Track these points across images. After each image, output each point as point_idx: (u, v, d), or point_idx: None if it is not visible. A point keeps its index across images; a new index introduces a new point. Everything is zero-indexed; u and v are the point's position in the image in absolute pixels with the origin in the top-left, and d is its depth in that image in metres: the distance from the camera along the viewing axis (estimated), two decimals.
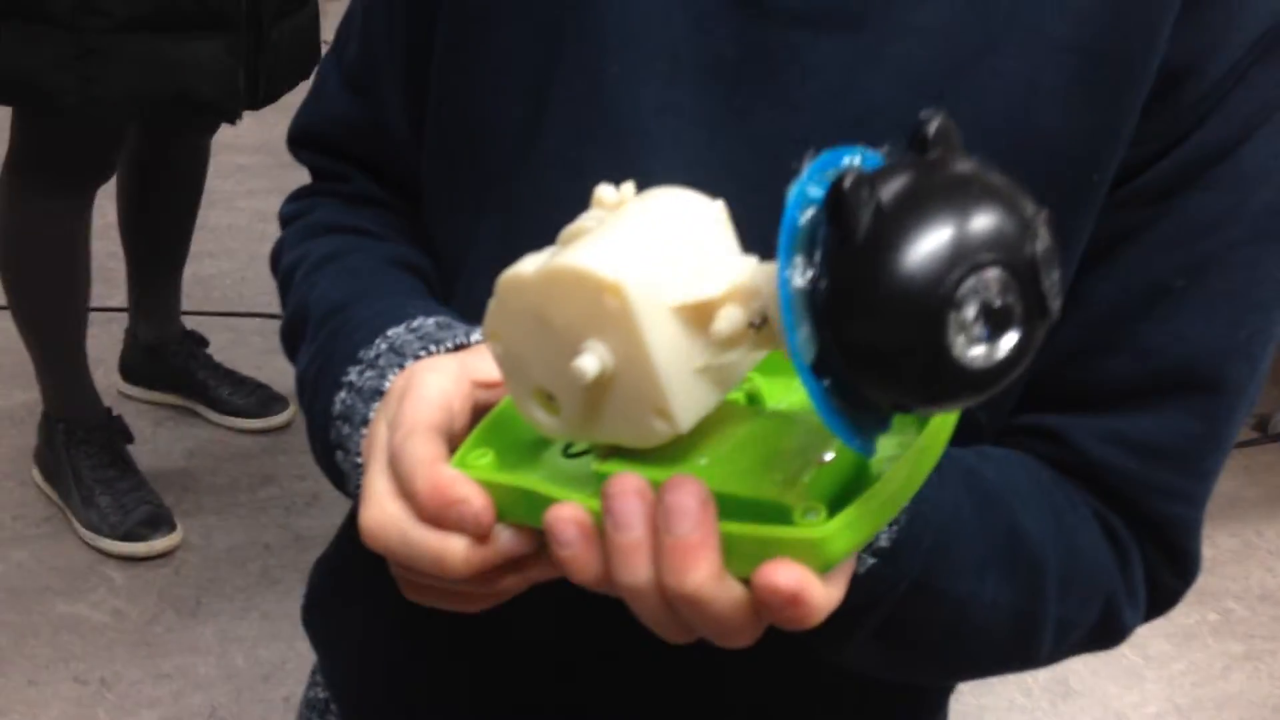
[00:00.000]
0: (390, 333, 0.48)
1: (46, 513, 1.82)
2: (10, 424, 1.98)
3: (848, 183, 0.28)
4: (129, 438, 1.85)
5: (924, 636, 0.47)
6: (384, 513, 0.39)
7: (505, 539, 0.38)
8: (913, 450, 0.35)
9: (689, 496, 0.33)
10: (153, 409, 2.05)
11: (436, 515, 0.38)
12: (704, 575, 0.33)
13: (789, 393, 0.39)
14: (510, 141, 0.52)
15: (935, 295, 0.28)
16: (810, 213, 0.30)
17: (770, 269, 0.32)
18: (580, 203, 0.37)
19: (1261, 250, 0.48)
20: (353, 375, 0.47)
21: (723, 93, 0.48)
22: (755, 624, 0.34)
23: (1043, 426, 0.51)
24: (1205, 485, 0.51)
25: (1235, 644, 1.84)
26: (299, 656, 1.61)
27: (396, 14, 0.57)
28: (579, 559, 0.35)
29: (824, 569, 0.33)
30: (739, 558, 0.33)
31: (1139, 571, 0.51)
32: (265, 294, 2.31)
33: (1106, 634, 0.52)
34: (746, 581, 0.33)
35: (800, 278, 0.30)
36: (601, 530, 0.35)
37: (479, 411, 0.41)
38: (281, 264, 0.60)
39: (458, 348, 0.45)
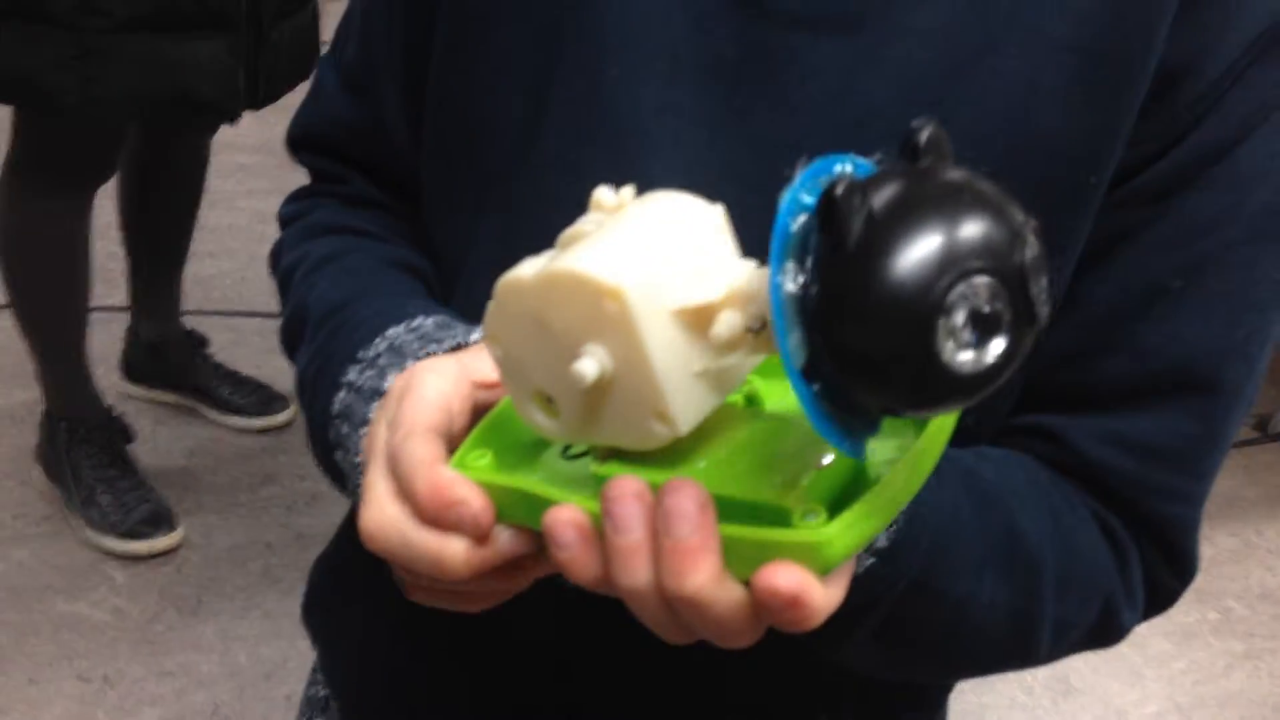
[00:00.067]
0: (390, 332, 0.48)
1: (47, 511, 1.82)
2: (11, 423, 1.98)
3: (839, 190, 0.29)
4: (130, 437, 1.85)
5: (923, 636, 0.47)
6: (383, 514, 0.39)
7: (505, 540, 0.38)
8: (912, 453, 0.35)
9: (688, 500, 0.33)
10: (153, 408, 2.05)
11: (436, 516, 0.38)
12: (704, 578, 0.33)
13: (788, 396, 0.39)
14: (509, 142, 0.52)
15: (925, 302, 0.28)
16: (802, 219, 0.30)
17: (768, 274, 0.32)
18: (579, 204, 0.37)
19: (1259, 250, 0.48)
20: (352, 375, 0.47)
21: (722, 93, 0.48)
22: (755, 625, 0.34)
23: (1041, 427, 0.51)
24: (1203, 485, 0.51)
25: (1235, 643, 1.84)
26: (300, 655, 1.62)
27: (395, 14, 0.57)
28: (578, 561, 0.35)
29: (824, 571, 0.33)
30: (739, 560, 0.33)
31: (1137, 571, 0.51)
32: (265, 294, 2.31)
33: (1105, 633, 0.52)
34: (746, 583, 0.33)
35: (792, 284, 0.30)
36: (600, 532, 0.35)
37: (478, 412, 0.41)
38: (280, 264, 0.60)
39: (457, 348, 0.46)
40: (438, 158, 0.56)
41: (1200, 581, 0.54)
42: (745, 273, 0.34)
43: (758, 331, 0.33)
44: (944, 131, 0.30)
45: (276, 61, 1.62)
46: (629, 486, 0.34)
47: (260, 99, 1.64)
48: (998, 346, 0.29)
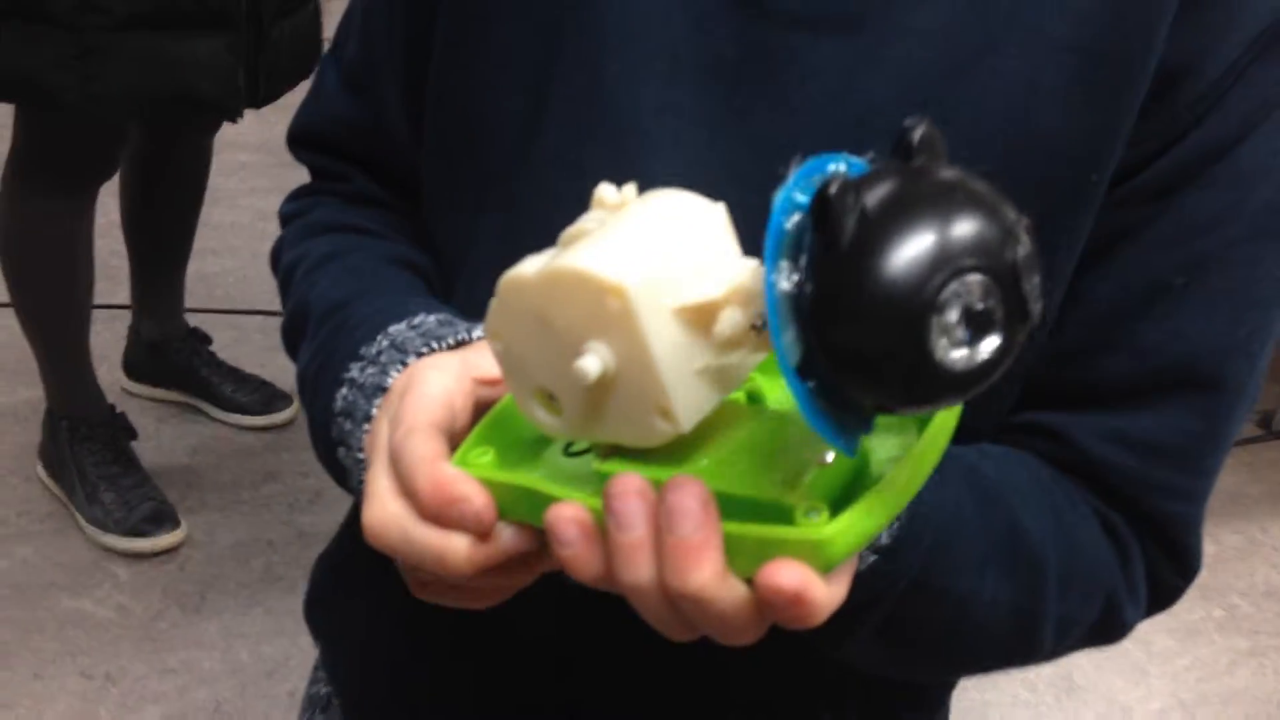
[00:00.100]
0: (392, 329, 0.48)
1: (50, 509, 1.83)
2: (14, 421, 1.99)
3: (833, 189, 0.29)
4: (132, 434, 1.86)
5: (925, 634, 0.47)
6: (386, 511, 0.39)
7: (507, 537, 0.38)
8: (914, 450, 0.35)
9: (690, 497, 0.33)
10: (156, 406, 2.05)
11: (438, 514, 0.38)
12: (706, 575, 0.33)
13: (790, 393, 0.39)
14: (510, 140, 0.52)
15: (918, 299, 0.29)
16: (796, 218, 0.31)
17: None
18: (580, 201, 0.37)
19: (1261, 248, 0.48)
20: (354, 372, 0.47)
21: (722, 93, 0.48)
22: (758, 623, 0.34)
23: (1043, 425, 0.51)
24: (1206, 483, 0.51)
25: (1240, 640, 1.84)
26: (303, 652, 1.62)
27: (396, 12, 0.57)
28: (580, 558, 0.35)
29: (826, 569, 0.33)
30: (741, 557, 0.33)
31: (1140, 568, 0.51)
32: (267, 292, 2.31)
33: (1108, 630, 0.52)
34: (749, 580, 0.33)
35: (786, 282, 0.30)
36: (603, 529, 0.35)
37: (480, 409, 0.41)
38: (281, 263, 0.60)
39: (459, 344, 0.46)
40: (438, 155, 0.56)
41: (1205, 579, 0.54)
42: (747, 271, 0.34)
43: (760, 329, 0.33)
44: (937, 130, 0.31)
45: (277, 60, 1.62)
46: (631, 484, 0.34)
47: (261, 97, 1.64)
48: (990, 344, 0.29)
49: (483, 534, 0.38)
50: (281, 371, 2.08)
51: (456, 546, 0.38)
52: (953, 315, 0.29)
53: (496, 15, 0.52)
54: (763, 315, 0.33)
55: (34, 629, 1.63)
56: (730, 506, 0.34)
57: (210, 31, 1.51)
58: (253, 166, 2.72)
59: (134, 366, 2.05)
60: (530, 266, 0.35)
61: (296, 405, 2.03)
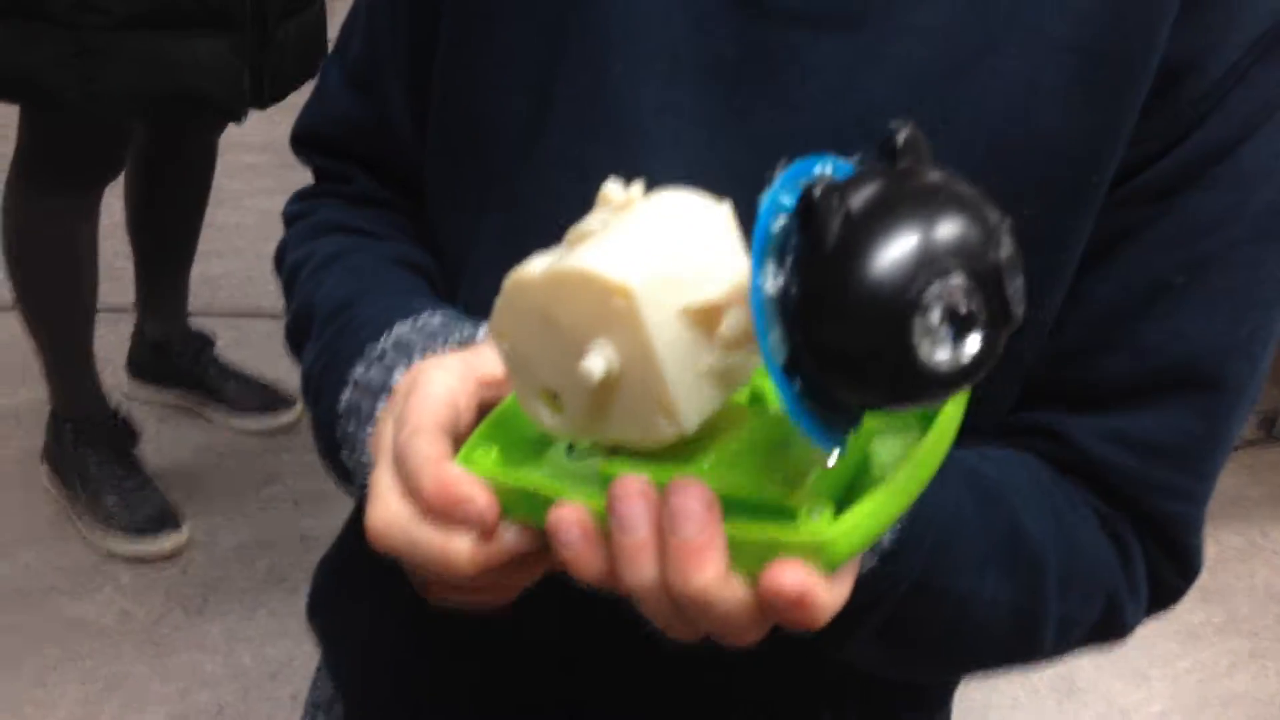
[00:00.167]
0: (396, 330, 0.48)
1: (53, 512, 1.83)
2: (17, 423, 1.99)
3: (818, 192, 0.30)
4: (136, 437, 1.86)
5: (926, 635, 0.47)
6: (389, 511, 0.39)
7: (510, 537, 0.38)
8: (916, 452, 0.35)
9: (693, 498, 0.33)
10: (160, 408, 2.05)
11: (442, 513, 0.38)
12: (709, 576, 0.33)
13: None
14: (513, 139, 0.52)
15: (901, 300, 0.29)
16: (782, 220, 0.31)
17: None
18: (583, 201, 0.37)
19: (1262, 249, 0.48)
20: (358, 372, 0.47)
21: (723, 93, 0.48)
22: (761, 623, 0.34)
23: (1043, 425, 0.51)
24: (1207, 483, 0.51)
25: (1240, 643, 1.84)
26: (305, 655, 1.62)
27: (400, 12, 0.57)
28: (582, 559, 0.35)
29: (829, 569, 0.33)
30: (744, 558, 0.34)
31: (1140, 568, 0.51)
32: (272, 294, 2.31)
33: (1109, 631, 0.52)
34: (752, 581, 0.33)
35: (772, 283, 0.31)
36: (605, 530, 0.35)
37: (484, 409, 0.41)
38: (285, 263, 0.60)
39: (463, 344, 0.46)
40: (442, 155, 0.56)
41: (1205, 581, 0.54)
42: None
43: None
44: (921, 133, 0.31)
45: (282, 60, 1.62)
46: (634, 485, 0.34)
47: (266, 98, 1.64)
48: (973, 344, 0.30)
49: (486, 534, 0.38)
50: (285, 374, 2.08)
51: (459, 547, 0.38)
52: (935, 316, 0.29)
53: (500, 15, 0.52)
54: None
55: (36, 634, 1.63)
56: (733, 507, 0.34)
57: (212, 32, 1.51)
58: (257, 168, 2.73)
59: (138, 368, 2.05)
60: (536, 266, 0.35)
61: (300, 408, 2.03)
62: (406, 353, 0.46)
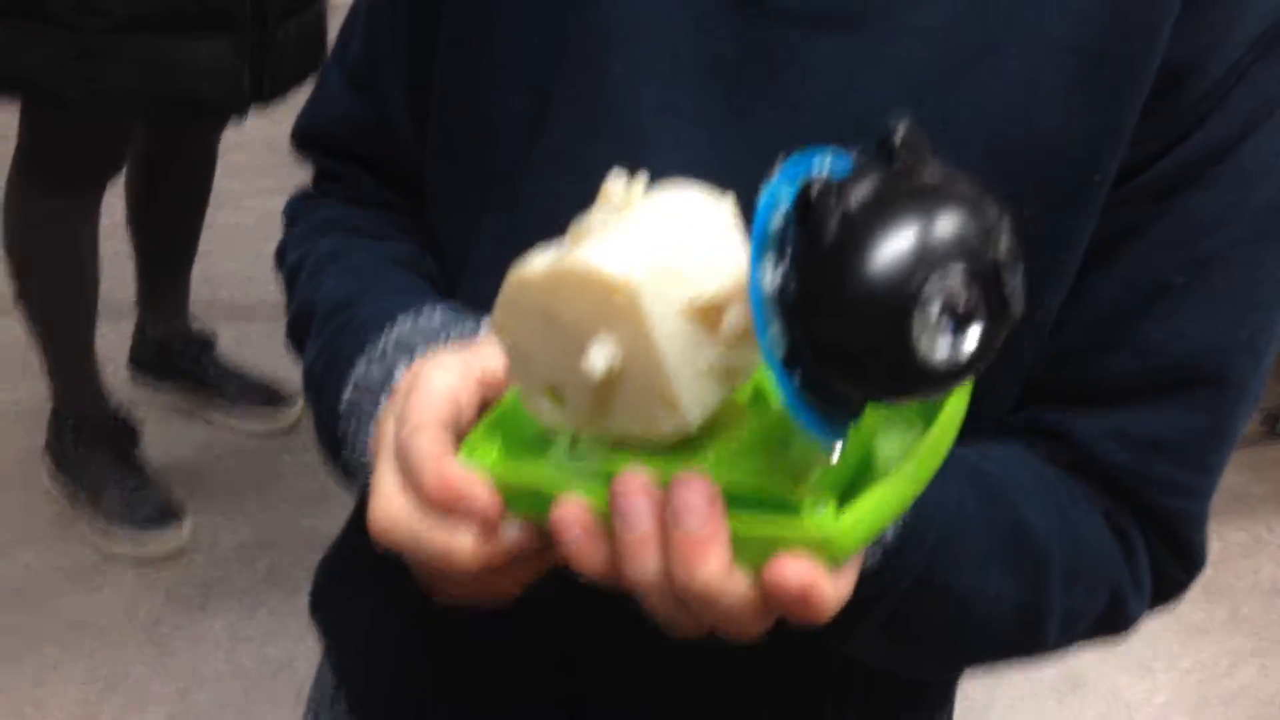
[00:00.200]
0: (397, 328, 0.48)
1: (55, 510, 1.83)
2: (19, 421, 1.99)
3: (815, 189, 0.30)
4: (137, 435, 1.86)
5: (929, 630, 0.47)
6: (392, 507, 0.39)
7: (513, 533, 0.38)
8: (920, 447, 0.35)
9: (697, 493, 0.33)
10: (161, 407, 2.05)
11: (444, 510, 0.38)
12: (713, 571, 0.33)
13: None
14: (513, 138, 0.52)
15: (899, 296, 0.29)
16: (781, 215, 0.31)
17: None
18: (584, 200, 0.37)
19: (1263, 249, 0.48)
20: (360, 370, 0.47)
21: (723, 93, 0.48)
22: (765, 617, 0.34)
23: (1045, 423, 0.51)
24: (1210, 479, 0.51)
25: (1244, 640, 1.84)
26: (306, 654, 1.62)
27: (400, 11, 0.57)
28: (585, 554, 0.35)
29: (833, 564, 0.33)
30: (748, 553, 0.33)
31: (1144, 562, 0.51)
32: (273, 293, 2.30)
33: (1113, 624, 0.52)
34: (756, 575, 0.33)
35: (770, 278, 0.31)
36: (608, 525, 0.35)
37: (486, 405, 0.41)
38: (286, 263, 0.60)
39: (464, 342, 0.46)
40: (442, 154, 0.56)
41: (1209, 578, 0.54)
42: None
43: None
44: (920, 130, 0.31)
45: (282, 60, 1.62)
46: (637, 480, 0.34)
47: (266, 98, 1.64)
48: (972, 339, 0.30)
49: (489, 530, 0.38)
50: (287, 373, 2.08)
51: (462, 543, 0.38)
52: (934, 310, 0.29)
53: (500, 14, 0.52)
54: None
55: (37, 632, 1.63)
56: (736, 502, 0.34)
57: (212, 33, 1.51)
58: (258, 168, 2.72)
59: (139, 367, 2.06)
60: (538, 262, 0.35)
61: (301, 407, 2.03)
62: (408, 351, 0.46)
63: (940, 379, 0.30)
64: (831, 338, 0.30)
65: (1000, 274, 0.30)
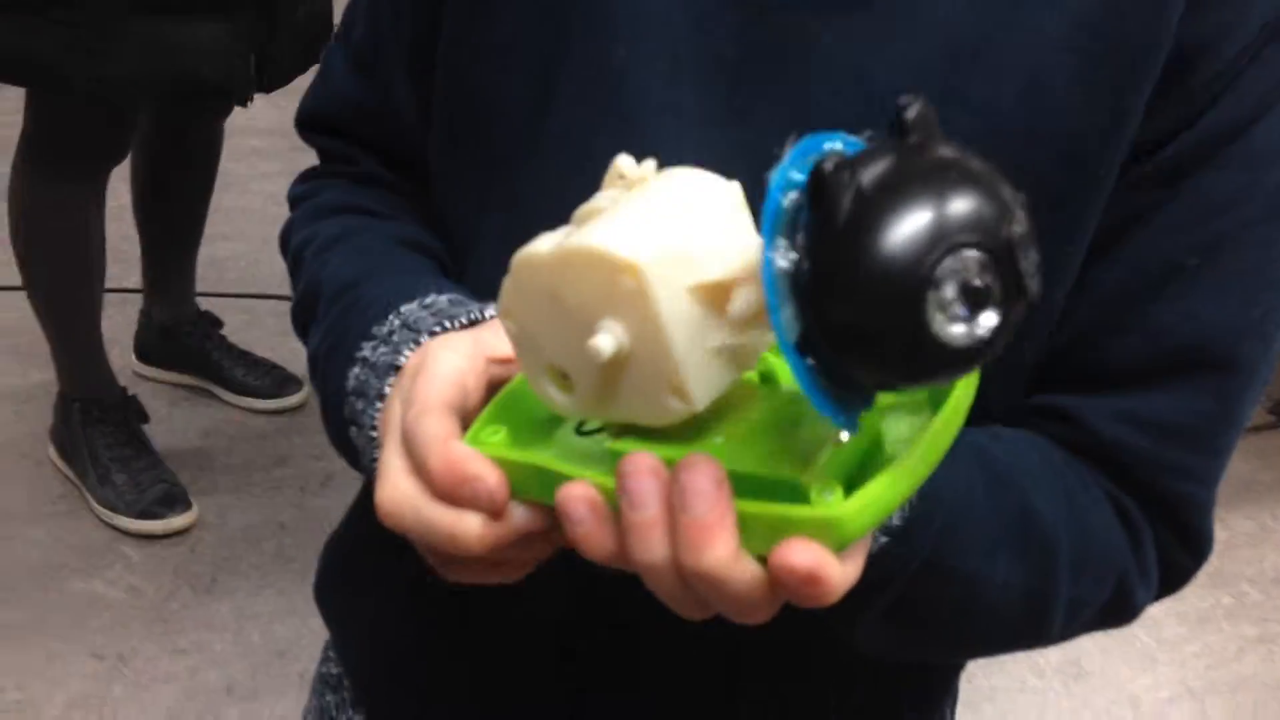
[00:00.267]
0: (403, 309, 0.48)
1: (63, 491, 1.84)
2: (27, 403, 2.00)
3: (829, 167, 0.29)
4: (144, 417, 1.86)
5: (935, 615, 0.47)
6: (398, 490, 0.39)
7: (519, 516, 0.38)
8: (928, 431, 0.35)
9: (704, 476, 0.33)
10: (168, 389, 2.06)
11: (451, 493, 0.38)
12: (720, 554, 0.33)
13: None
14: (517, 125, 0.52)
15: (914, 276, 0.29)
16: (793, 196, 0.31)
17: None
18: (587, 187, 0.37)
19: (1275, 229, 0.48)
20: (366, 351, 0.47)
21: (723, 92, 0.48)
22: (772, 601, 0.34)
23: (1055, 407, 0.51)
24: (1218, 464, 0.51)
25: (1249, 627, 1.84)
26: (313, 633, 1.63)
27: None
28: (592, 537, 0.35)
29: (840, 547, 0.33)
30: (755, 536, 0.33)
31: (1151, 550, 0.51)
32: (279, 276, 2.31)
33: (1118, 612, 0.52)
34: (763, 559, 0.33)
35: (783, 260, 0.31)
36: (615, 508, 0.35)
37: (493, 388, 0.41)
38: (291, 245, 0.60)
39: (471, 323, 0.46)
40: (446, 139, 0.56)
41: (1214, 565, 0.54)
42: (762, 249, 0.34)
43: None
44: (932, 108, 0.31)
45: (288, 44, 1.62)
46: (644, 462, 0.34)
47: (272, 82, 1.64)
48: (988, 319, 0.30)
49: (495, 513, 0.38)
50: (293, 355, 2.08)
51: (469, 525, 0.38)
52: (949, 291, 0.29)
53: (503, 0, 0.52)
54: None
55: (46, 610, 1.64)
56: (744, 485, 0.34)
57: (215, 16, 1.51)
58: (264, 151, 2.72)
59: (146, 350, 2.06)
60: (544, 244, 0.35)
61: (307, 389, 2.03)
62: (414, 332, 0.46)
63: (956, 360, 0.30)
64: (846, 318, 0.30)
65: (1016, 253, 0.29)
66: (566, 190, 0.38)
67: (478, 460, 0.38)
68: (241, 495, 1.87)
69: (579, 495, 0.35)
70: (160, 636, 1.62)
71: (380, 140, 0.60)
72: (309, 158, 0.64)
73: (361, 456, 0.47)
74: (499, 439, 0.39)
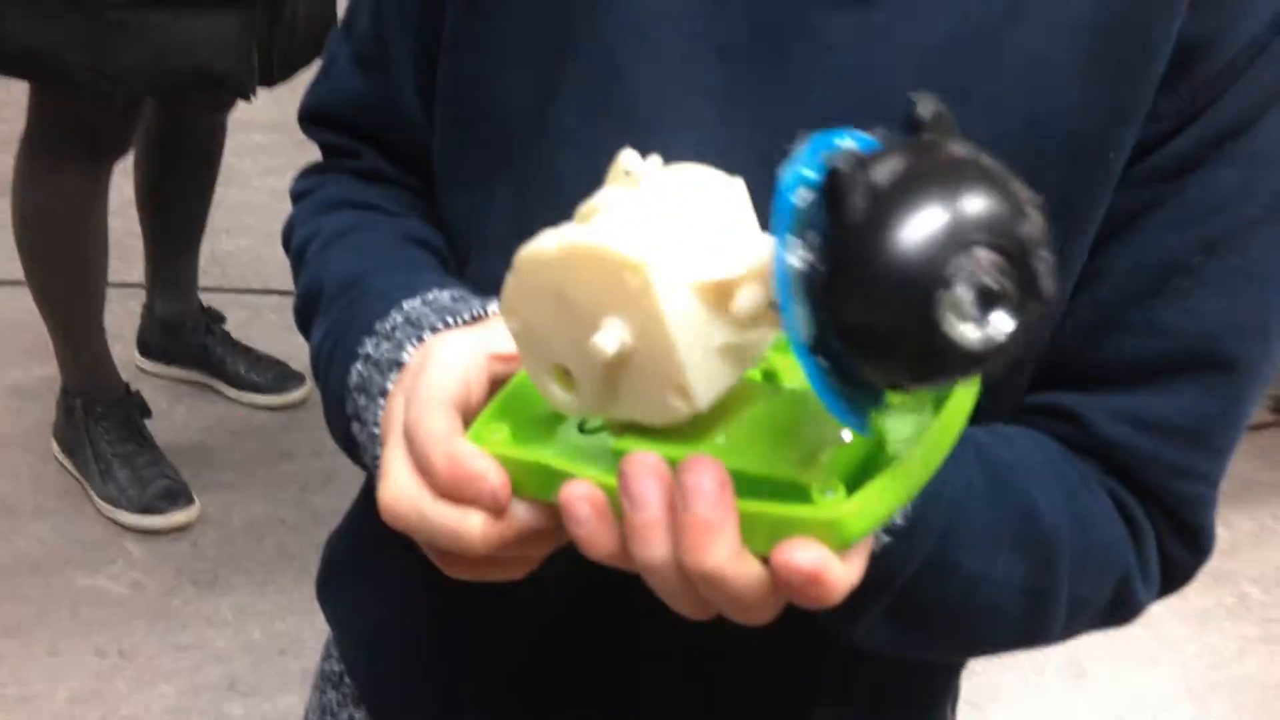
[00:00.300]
0: (406, 305, 0.48)
1: (65, 486, 1.84)
2: (29, 398, 2.00)
3: (843, 165, 0.29)
4: (147, 412, 1.87)
5: (935, 614, 0.47)
6: (401, 487, 0.39)
7: (522, 514, 0.38)
8: (931, 431, 0.35)
9: (706, 476, 0.33)
10: (170, 384, 2.06)
11: (453, 490, 0.38)
12: (722, 554, 0.33)
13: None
14: (521, 118, 0.52)
15: (927, 275, 0.29)
16: (805, 194, 0.31)
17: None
18: (592, 181, 0.37)
19: (1278, 228, 0.48)
20: (369, 347, 0.47)
21: (733, 75, 0.48)
22: (774, 601, 0.34)
23: (1057, 405, 0.50)
24: (1220, 463, 0.51)
25: (1250, 627, 1.84)
26: (315, 629, 1.63)
27: None
28: (594, 536, 0.35)
29: (842, 548, 0.33)
30: (757, 536, 0.33)
31: (1153, 549, 0.51)
32: (282, 271, 2.30)
33: (1120, 611, 0.52)
34: (765, 559, 0.33)
35: (796, 259, 0.30)
36: (617, 507, 0.35)
37: (496, 385, 0.41)
38: (293, 240, 0.60)
39: (474, 320, 0.46)
40: (450, 133, 0.56)
41: (1216, 565, 0.54)
42: (766, 247, 0.34)
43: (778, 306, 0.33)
44: (946, 106, 0.30)
45: (292, 38, 1.62)
46: (646, 462, 0.34)
47: (276, 76, 1.64)
48: (1002, 320, 0.29)
49: (498, 511, 0.38)
50: (295, 351, 2.08)
51: (471, 523, 0.38)
52: (963, 291, 0.29)
53: None
54: None
55: (49, 606, 1.64)
56: (746, 485, 0.34)
57: (221, 9, 1.51)
58: (267, 146, 2.72)
59: (148, 345, 2.06)
60: (548, 241, 0.35)
61: (310, 385, 2.03)
62: (417, 328, 0.46)
63: (969, 361, 0.30)
64: (858, 318, 0.30)
65: (1030, 254, 0.29)
66: (570, 186, 0.38)
67: (480, 458, 0.38)
68: (244, 491, 1.87)
69: (581, 494, 0.35)
70: (162, 632, 1.62)
71: (383, 135, 0.60)
72: (312, 153, 0.64)
73: (364, 453, 0.47)
74: (501, 437, 0.39)
